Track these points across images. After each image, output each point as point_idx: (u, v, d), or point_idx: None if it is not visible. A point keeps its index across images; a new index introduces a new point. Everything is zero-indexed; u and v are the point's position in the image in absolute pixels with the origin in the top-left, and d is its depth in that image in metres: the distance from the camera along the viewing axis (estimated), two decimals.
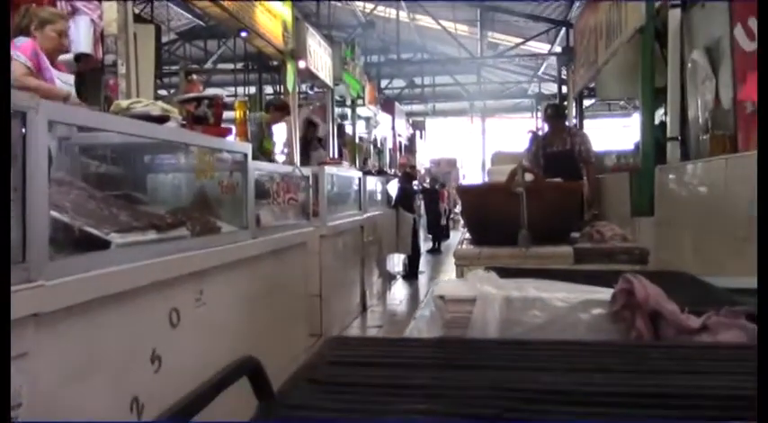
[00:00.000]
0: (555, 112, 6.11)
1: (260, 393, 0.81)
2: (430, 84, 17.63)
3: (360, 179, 6.37)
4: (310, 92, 11.71)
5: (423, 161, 18.65)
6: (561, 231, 2.71)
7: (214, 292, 2.46)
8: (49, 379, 1.54)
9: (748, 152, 3.71)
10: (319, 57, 9.74)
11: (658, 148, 5.19)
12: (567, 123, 7.32)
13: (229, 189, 2.96)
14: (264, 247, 3.08)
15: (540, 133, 6.61)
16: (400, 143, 17.08)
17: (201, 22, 12.69)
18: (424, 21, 13.66)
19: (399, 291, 7.81)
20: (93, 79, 4.73)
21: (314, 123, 8.71)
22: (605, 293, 1.36)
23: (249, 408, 0.81)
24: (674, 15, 5.18)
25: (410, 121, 19.21)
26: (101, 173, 2.53)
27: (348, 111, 12.73)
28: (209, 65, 13.82)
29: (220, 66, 13.99)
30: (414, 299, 7.09)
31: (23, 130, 1.48)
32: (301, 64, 8.69)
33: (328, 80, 10.36)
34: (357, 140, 12.67)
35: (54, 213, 1.68)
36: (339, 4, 12.38)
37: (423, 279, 8.48)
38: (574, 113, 10.36)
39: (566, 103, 11.38)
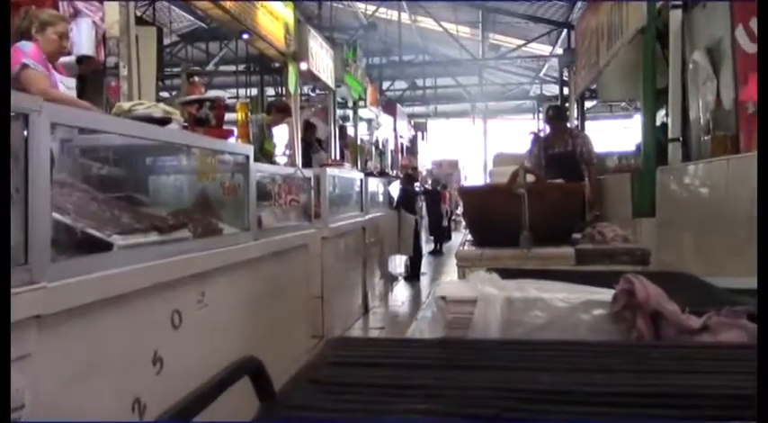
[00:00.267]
0: (556, 114, 6.12)
1: (261, 393, 0.81)
2: (431, 85, 17.63)
3: (361, 181, 6.36)
4: (312, 94, 11.73)
5: (424, 163, 18.70)
6: (563, 232, 2.72)
7: (216, 294, 2.46)
8: (52, 380, 1.55)
9: (750, 153, 3.70)
10: (321, 58, 9.75)
11: (660, 149, 5.19)
12: (568, 125, 7.31)
13: (231, 191, 2.96)
14: (266, 249, 3.08)
15: (542, 135, 6.60)
16: (402, 145, 17.09)
17: (203, 24, 12.73)
18: (426, 22, 13.68)
19: (401, 292, 7.80)
20: (94, 81, 4.73)
21: (312, 125, 8.72)
22: (606, 294, 1.37)
23: (251, 408, 0.81)
24: (676, 16, 5.19)
25: (412, 123, 19.23)
26: (103, 175, 2.52)
27: (350, 112, 12.74)
28: (210, 67, 13.83)
29: (222, 68, 14.00)
30: (416, 300, 7.08)
31: (26, 132, 1.48)
32: (303, 66, 8.70)
33: (330, 82, 10.37)
34: (359, 142, 12.68)
35: (56, 215, 1.68)
36: (341, 5, 12.41)
37: (424, 280, 8.47)
38: (575, 115, 10.36)
39: (567, 104, 11.40)
